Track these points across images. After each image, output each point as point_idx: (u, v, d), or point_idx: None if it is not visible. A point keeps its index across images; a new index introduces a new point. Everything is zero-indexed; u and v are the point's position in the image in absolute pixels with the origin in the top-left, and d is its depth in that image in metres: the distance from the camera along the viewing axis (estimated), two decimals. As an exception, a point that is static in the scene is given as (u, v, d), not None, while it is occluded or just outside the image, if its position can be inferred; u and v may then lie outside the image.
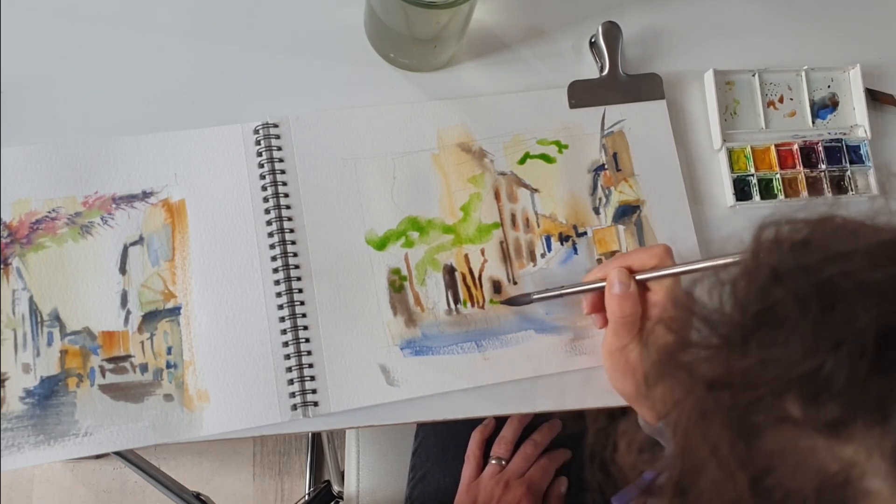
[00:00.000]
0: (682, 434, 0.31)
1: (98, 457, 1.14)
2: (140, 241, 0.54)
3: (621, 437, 0.38)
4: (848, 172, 0.62)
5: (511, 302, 0.55)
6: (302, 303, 0.53)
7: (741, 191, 0.60)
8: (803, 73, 0.63)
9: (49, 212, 0.54)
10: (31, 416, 0.50)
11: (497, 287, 0.56)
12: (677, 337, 0.33)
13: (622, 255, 0.51)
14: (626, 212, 0.59)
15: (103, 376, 0.51)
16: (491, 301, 0.56)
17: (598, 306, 0.52)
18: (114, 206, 0.54)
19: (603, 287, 0.50)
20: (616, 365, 0.50)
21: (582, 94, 0.60)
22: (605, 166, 0.59)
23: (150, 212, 0.54)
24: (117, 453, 0.77)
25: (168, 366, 0.52)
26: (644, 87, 0.61)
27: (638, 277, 0.48)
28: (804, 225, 0.31)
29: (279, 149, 0.56)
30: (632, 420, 0.42)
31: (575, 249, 0.58)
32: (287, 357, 0.53)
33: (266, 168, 0.55)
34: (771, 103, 0.63)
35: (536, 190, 0.58)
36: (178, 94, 0.57)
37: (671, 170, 0.60)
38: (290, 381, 0.52)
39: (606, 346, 0.51)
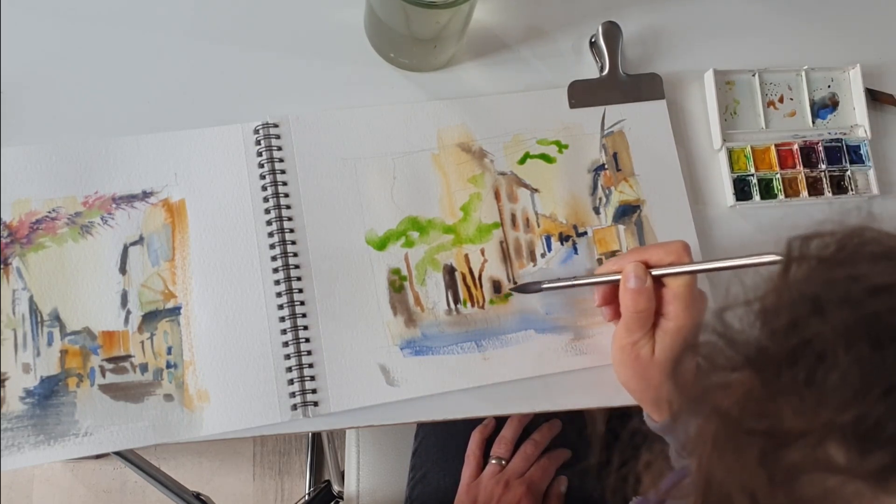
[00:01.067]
0: (706, 470, 0.29)
1: (98, 457, 1.14)
2: (140, 240, 0.54)
3: (645, 470, 0.37)
4: (848, 172, 0.62)
5: (521, 289, 0.55)
6: (302, 303, 0.53)
7: (741, 191, 0.60)
8: (803, 73, 0.63)
9: (49, 212, 0.53)
10: (31, 416, 0.50)
11: (497, 287, 0.56)
12: (707, 364, 0.31)
13: (639, 248, 0.51)
14: (627, 211, 0.59)
15: (103, 376, 0.51)
16: (491, 301, 0.56)
17: (610, 299, 0.52)
18: (114, 205, 0.54)
19: (616, 280, 0.49)
20: (625, 360, 0.50)
21: (582, 94, 0.60)
22: (606, 166, 0.59)
23: (150, 212, 0.54)
24: (117, 453, 0.77)
25: (168, 366, 0.52)
26: (644, 87, 0.61)
27: (654, 273, 0.48)
28: (833, 239, 0.29)
29: (279, 149, 0.56)
30: (655, 450, 0.40)
31: (575, 249, 0.58)
32: (287, 357, 0.52)
33: (266, 168, 0.55)
34: (771, 103, 0.63)
35: (536, 190, 0.58)
36: (178, 94, 0.57)
37: (671, 170, 0.60)
38: (290, 381, 0.52)
39: (617, 340, 0.50)
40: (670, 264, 0.48)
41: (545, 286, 0.53)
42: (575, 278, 0.53)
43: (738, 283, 0.31)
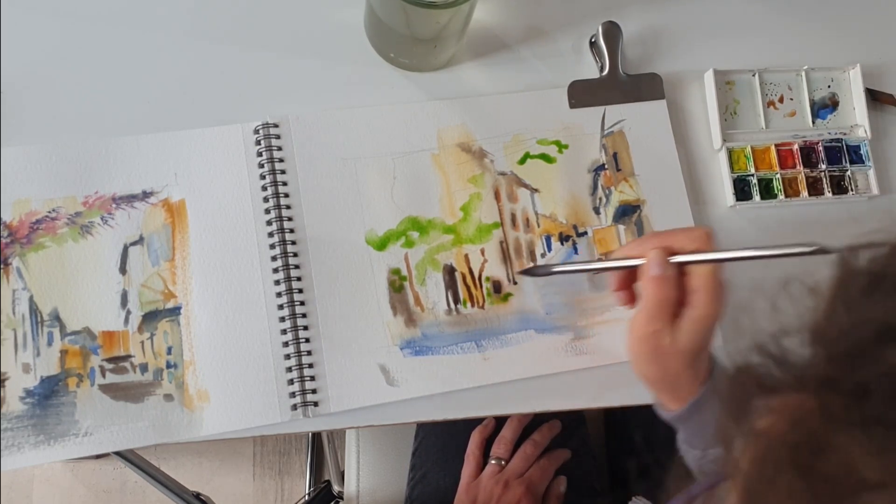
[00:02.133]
0: (752, 496, 0.27)
1: (98, 457, 1.14)
2: (140, 240, 0.54)
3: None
4: (848, 172, 0.62)
5: (530, 272, 0.54)
6: (302, 303, 0.53)
7: (741, 191, 0.60)
8: (803, 73, 0.63)
9: (49, 212, 0.53)
10: (31, 416, 0.50)
11: (497, 287, 0.56)
12: (756, 384, 0.29)
13: (660, 233, 0.47)
14: (627, 212, 0.59)
15: (103, 376, 0.51)
16: (491, 300, 0.56)
17: (626, 283, 0.49)
18: (114, 205, 0.54)
19: (633, 265, 0.47)
20: (644, 349, 0.46)
21: (582, 94, 0.60)
22: (606, 166, 0.59)
23: (150, 212, 0.54)
24: (117, 453, 0.76)
25: (168, 366, 0.52)
26: (644, 87, 0.61)
27: (678, 259, 0.45)
28: (886, 251, 0.27)
29: (279, 149, 0.56)
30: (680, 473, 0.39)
31: (575, 249, 0.58)
32: (287, 357, 0.52)
33: (266, 168, 0.55)
34: (771, 103, 0.63)
35: (536, 190, 0.58)
36: (178, 94, 0.57)
37: (671, 170, 0.60)
38: (290, 381, 0.52)
39: (637, 329, 0.47)
40: (694, 251, 0.45)
41: (555, 269, 0.51)
42: (587, 262, 0.50)
43: (785, 297, 0.29)
